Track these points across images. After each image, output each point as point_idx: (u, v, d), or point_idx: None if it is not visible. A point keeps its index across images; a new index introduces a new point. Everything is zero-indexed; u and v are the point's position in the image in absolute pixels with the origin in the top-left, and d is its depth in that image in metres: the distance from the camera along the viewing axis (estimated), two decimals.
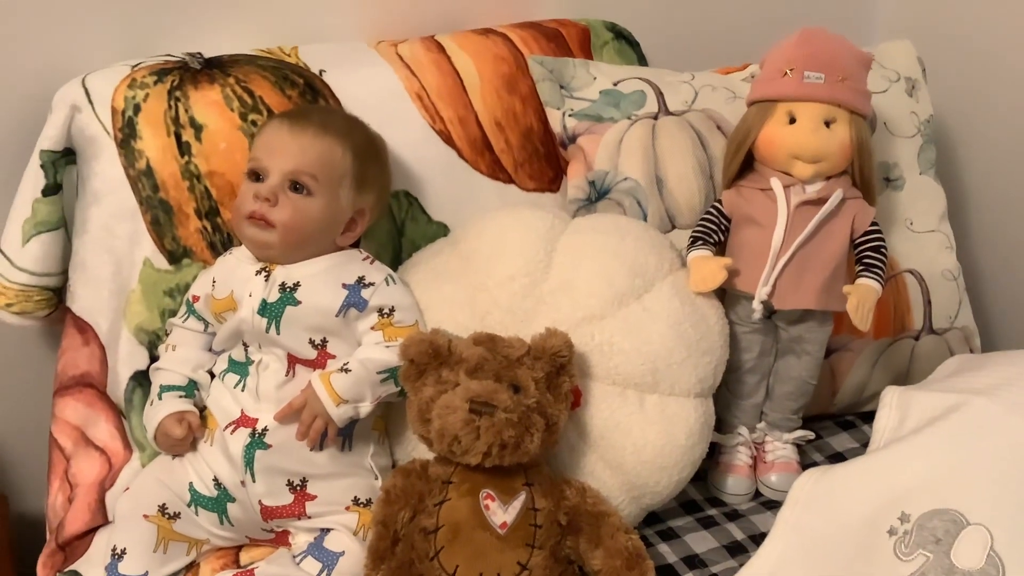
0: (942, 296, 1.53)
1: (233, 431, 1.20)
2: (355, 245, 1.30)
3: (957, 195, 1.73)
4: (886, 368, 1.52)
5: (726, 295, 1.36)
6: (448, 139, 1.43)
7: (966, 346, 1.56)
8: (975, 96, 1.74)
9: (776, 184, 1.33)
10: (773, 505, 1.35)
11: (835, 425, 1.54)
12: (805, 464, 1.41)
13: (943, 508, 1.09)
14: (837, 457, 1.46)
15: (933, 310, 1.53)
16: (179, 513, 1.21)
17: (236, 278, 1.24)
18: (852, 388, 1.52)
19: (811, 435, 1.43)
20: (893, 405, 1.24)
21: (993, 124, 1.73)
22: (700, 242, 1.36)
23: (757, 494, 1.41)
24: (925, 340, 1.53)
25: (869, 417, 1.29)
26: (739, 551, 1.29)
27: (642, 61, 1.61)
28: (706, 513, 1.37)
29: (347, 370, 1.18)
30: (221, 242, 1.32)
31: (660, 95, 1.48)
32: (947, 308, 1.54)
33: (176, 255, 1.31)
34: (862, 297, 1.29)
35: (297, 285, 1.21)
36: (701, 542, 1.31)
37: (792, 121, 1.32)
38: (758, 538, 1.28)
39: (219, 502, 1.21)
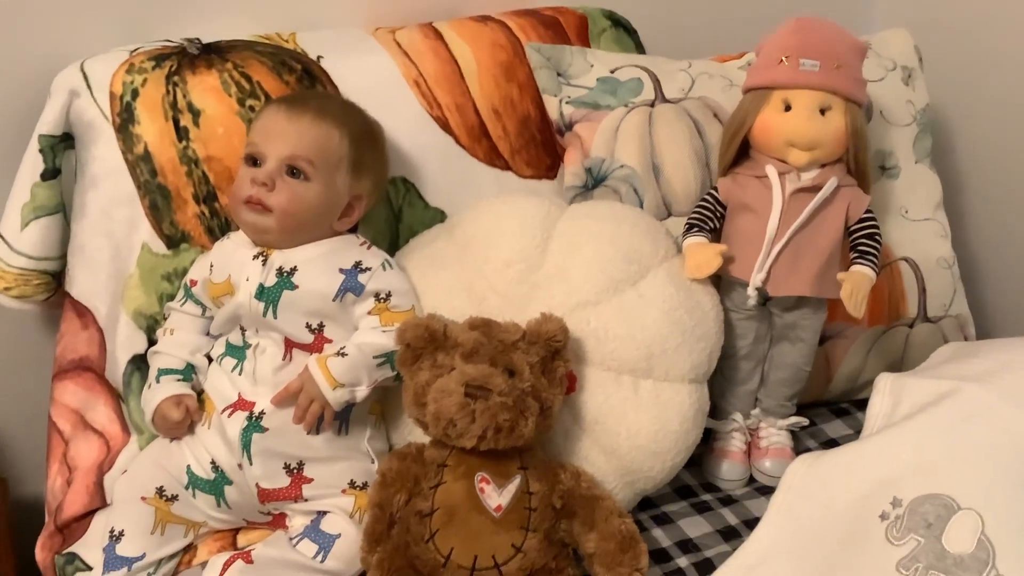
0: (937, 284, 1.54)
1: (230, 414, 1.21)
2: (352, 230, 1.31)
3: (952, 184, 1.74)
4: (880, 355, 1.52)
5: (721, 282, 1.37)
6: (445, 125, 1.43)
7: (960, 334, 1.56)
8: (972, 85, 1.74)
9: (771, 171, 1.33)
10: (767, 491, 1.35)
11: (829, 412, 1.55)
12: (799, 450, 1.41)
13: (935, 493, 1.10)
14: (831, 444, 1.47)
15: (928, 298, 1.53)
16: (177, 496, 1.21)
17: (234, 262, 1.24)
18: (846, 375, 1.52)
19: (805, 421, 1.44)
20: (886, 391, 1.24)
21: (989, 113, 1.73)
22: (696, 229, 1.37)
23: (751, 480, 1.42)
24: (920, 328, 1.53)
25: (863, 404, 1.29)
26: (733, 536, 1.30)
27: (639, 49, 1.61)
28: (700, 498, 1.38)
29: (344, 354, 1.19)
30: (219, 227, 1.32)
31: (657, 83, 1.48)
32: (942, 296, 1.54)
33: (174, 240, 1.31)
34: (856, 284, 1.30)
35: (294, 270, 1.22)
36: (695, 527, 1.32)
37: (787, 108, 1.32)
38: (752, 523, 1.29)
39: (216, 485, 1.22)
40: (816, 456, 1.21)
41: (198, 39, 1.38)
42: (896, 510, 1.11)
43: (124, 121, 1.30)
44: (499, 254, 1.29)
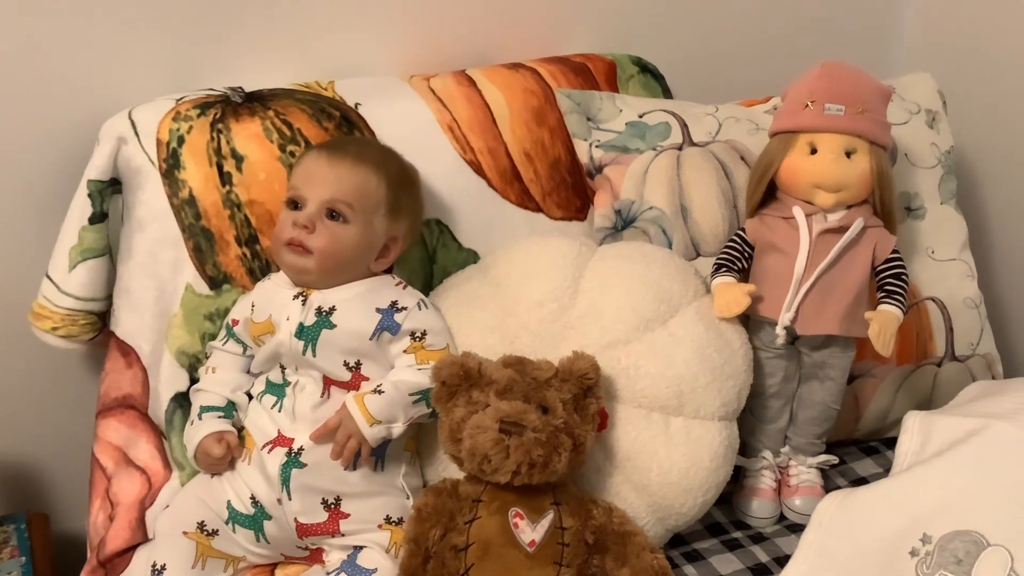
0: (964, 323, 1.55)
1: (270, 450, 1.24)
2: (388, 271, 1.34)
3: (978, 225, 1.75)
4: (909, 394, 1.53)
5: (750, 321, 1.39)
6: (478, 169, 1.47)
7: (988, 372, 1.57)
8: (996, 127, 1.75)
9: (798, 213, 1.35)
10: (797, 528, 1.35)
11: (859, 450, 1.55)
12: (829, 489, 1.40)
13: (964, 529, 1.10)
14: (861, 482, 1.47)
15: (955, 337, 1.54)
16: (217, 530, 1.24)
17: (274, 303, 1.28)
18: (875, 414, 1.53)
19: (835, 460, 1.45)
20: (915, 429, 1.25)
21: (1014, 154, 1.75)
22: (724, 269, 1.39)
23: (782, 517, 1.42)
24: (947, 367, 1.54)
25: (893, 443, 1.29)
26: (764, 573, 1.31)
27: (667, 94, 1.64)
28: (731, 536, 1.38)
29: (380, 391, 1.21)
30: (260, 268, 1.36)
31: (685, 127, 1.51)
32: (969, 335, 1.55)
33: (217, 281, 1.35)
34: (884, 323, 1.31)
35: (333, 309, 1.25)
36: (726, 564, 1.32)
37: (813, 152, 1.34)
38: (782, 560, 1.29)
39: (256, 520, 1.24)
40: (846, 493, 1.22)
41: (241, 88, 1.42)
42: (926, 547, 1.11)
43: (170, 167, 1.34)
44: (532, 294, 1.32)
